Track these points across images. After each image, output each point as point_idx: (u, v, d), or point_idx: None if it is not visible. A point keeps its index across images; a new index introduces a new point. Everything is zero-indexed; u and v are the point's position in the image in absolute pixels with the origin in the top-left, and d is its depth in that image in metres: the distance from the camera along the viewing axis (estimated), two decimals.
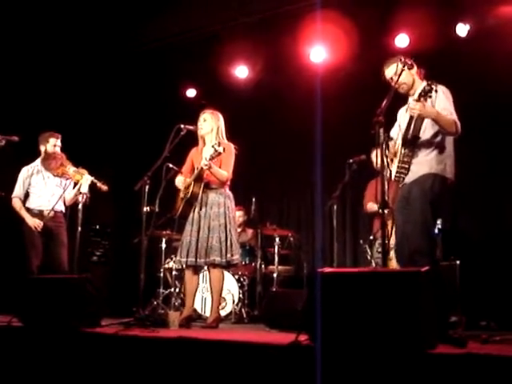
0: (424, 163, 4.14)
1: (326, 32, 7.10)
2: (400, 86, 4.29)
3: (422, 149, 4.16)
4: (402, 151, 4.16)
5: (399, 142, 4.24)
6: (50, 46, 7.70)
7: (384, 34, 7.12)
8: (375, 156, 5.84)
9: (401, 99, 4.44)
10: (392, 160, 4.29)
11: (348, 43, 7.02)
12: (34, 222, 5.81)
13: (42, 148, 6.04)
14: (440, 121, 4.05)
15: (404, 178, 4.18)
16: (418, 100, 3.98)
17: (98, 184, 5.75)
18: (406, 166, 4.15)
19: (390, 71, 4.35)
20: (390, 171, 4.30)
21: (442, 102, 4.13)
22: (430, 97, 4.00)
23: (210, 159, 5.11)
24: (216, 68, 8.06)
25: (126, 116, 8.82)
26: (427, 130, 4.17)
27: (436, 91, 3.99)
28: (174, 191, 5.55)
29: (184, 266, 5.42)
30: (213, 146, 5.13)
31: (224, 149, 5.10)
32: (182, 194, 5.47)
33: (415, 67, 4.35)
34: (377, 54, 6.81)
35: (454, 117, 4.12)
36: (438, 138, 4.17)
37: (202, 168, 5.19)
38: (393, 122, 4.50)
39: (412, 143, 4.14)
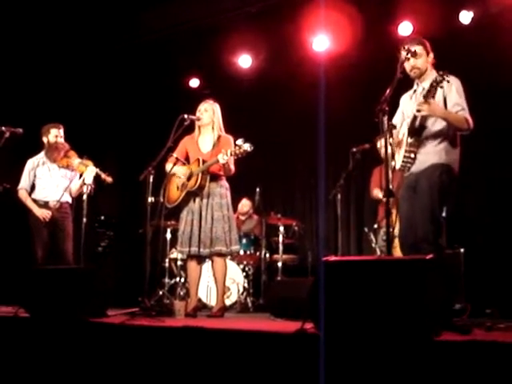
0: (433, 153, 4.12)
1: (329, 20, 7.07)
2: (413, 68, 4.26)
3: (432, 139, 4.13)
4: (408, 140, 4.13)
5: (404, 131, 4.21)
6: (52, 37, 7.69)
7: (387, 22, 7.10)
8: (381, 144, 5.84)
9: (404, 87, 4.41)
10: (396, 150, 4.27)
11: (351, 31, 6.98)
12: (42, 213, 5.84)
13: (45, 140, 6.07)
14: (449, 119, 4.03)
15: (410, 168, 4.16)
16: (426, 99, 3.92)
17: (103, 176, 5.76)
18: (412, 156, 4.12)
19: (411, 48, 4.17)
20: (395, 161, 4.30)
21: (454, 96, 4.07)
22: (442, 87, 3.95)
23: (230, 155, 5.09)
24: (219, 58, 8.06)
25: (129, 107, 8.81)
26: (438, 121, 4.13)
27: (448, 81, 3.94)
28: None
29: (186, 255, 5.45)
30: (236, 145, 5.12)
31: (239, 146, 5.11)
32: (179, 183, 5.43)
33: (431, 55, 4.31)
34: (380, 41, 6.81)
35: (466, 113, 4.07)
36: (449, 129, 4.15)
37: (217, 161, 5.15)
38: (396, 109, 4.48)
39: (418, 133, 4.12)
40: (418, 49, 4.22)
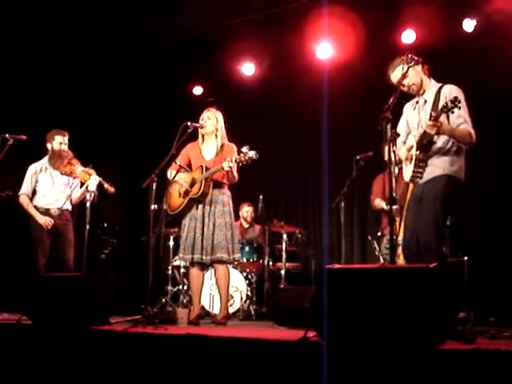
0: (438, 165, 4.13)
1: (333, 28, 7.08)
2: (410, 87, 4.28)
3: (437, 150, 4.14)
4: (418, 155, 4.14)
5: (412, 143, 4.21)
6: (56, 44, 7.72)
7: (390, 30, 7.11)
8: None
9: (407, 95, 4.41)
10: (405, 163, 4.28)
11: (354, 39, 6.99)
12: (45, 221, 5.81)
13: (49, 146, 6.05)
14: (455, 136, 4.04)
15: (419, 180, 4.18)
16: (435, 120, 3.90)
17: (106, 185, 5.76)
18: (421, 171, 4.14)
19: (396, 74, 4.29)
20: (399, 168, 4.31)
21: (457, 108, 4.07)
22: (453, 113, 3.94)
23: (235, 162, 5.09)
24: (223, 65, 8.07)
25: (133, 114, 8.83)
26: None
27: (459, 108, 3.93)
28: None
29: (189, 263, 5.44)
30: (241, 152, 5.11)
31: (245, 153, 5.10)
32: (181, 190, 5.42)
33: (420, 64, 4.32)
34: (383, 50, 6.81)
35: (469, 125, 4.08)
36: (453, 141, 4.15)
37: (222, 168, 5.16)
38: (399, 117, 4.48)
39: (427, 148, 4.13)
40: (399, 70, 4.25)
